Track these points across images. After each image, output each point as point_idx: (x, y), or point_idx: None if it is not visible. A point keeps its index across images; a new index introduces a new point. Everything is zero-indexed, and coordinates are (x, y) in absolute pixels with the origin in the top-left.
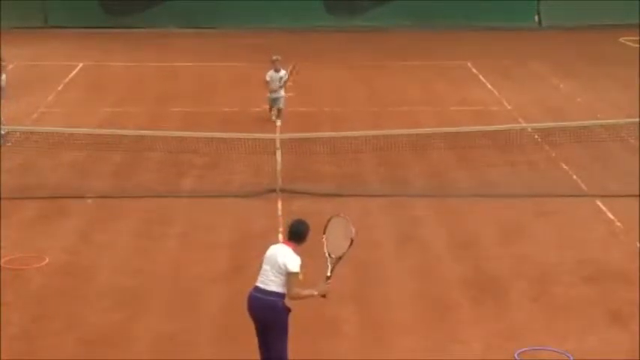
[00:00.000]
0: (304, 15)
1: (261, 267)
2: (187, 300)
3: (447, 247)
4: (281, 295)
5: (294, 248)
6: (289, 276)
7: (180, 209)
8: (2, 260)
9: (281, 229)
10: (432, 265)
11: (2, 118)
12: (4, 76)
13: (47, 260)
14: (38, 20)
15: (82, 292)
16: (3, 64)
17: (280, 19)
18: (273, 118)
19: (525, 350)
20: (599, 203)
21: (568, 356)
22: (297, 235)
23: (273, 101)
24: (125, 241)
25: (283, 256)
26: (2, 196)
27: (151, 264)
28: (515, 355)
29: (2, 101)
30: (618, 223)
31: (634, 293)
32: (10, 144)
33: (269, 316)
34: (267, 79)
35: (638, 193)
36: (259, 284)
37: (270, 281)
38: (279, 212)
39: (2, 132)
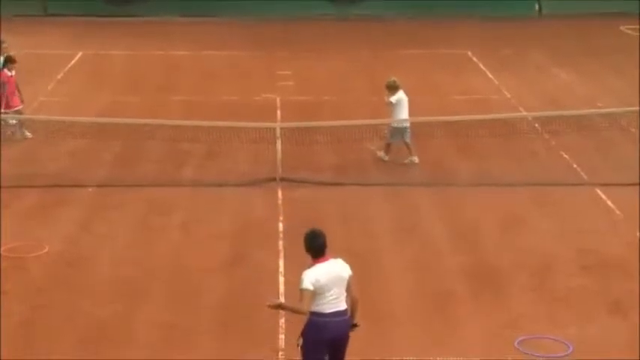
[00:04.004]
0: (305, 4)
1: (320, 294)
2: (188, 290)
3: (446, 237)
4: None
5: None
6: (350, 280)
7: (180, 199)
8: (2, 249)
9: (281, 218)
10: (431, 255)
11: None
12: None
13: (47, 249)
14: (38, 9)
15: (81, 282)
16: (4, 45)
17: (281, 7)
18: (380, 154)
19: (525, 339)
20: (599, 192)
21: (567, 345)
22: (325, 246)
23: (402, 133)
24: (125, 230)
25: (344, 269)
26: (2, 184)
27: (151, 254)
28: (515, 344)
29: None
30: (618, 212)
31: (634, 283)
32: (9, 133)
33: (348, 332)
34: (393, 101)
35: (638, 182)
36: (336, 309)
37: (342, 301)
38: (280, 201)
39: (12, 122)
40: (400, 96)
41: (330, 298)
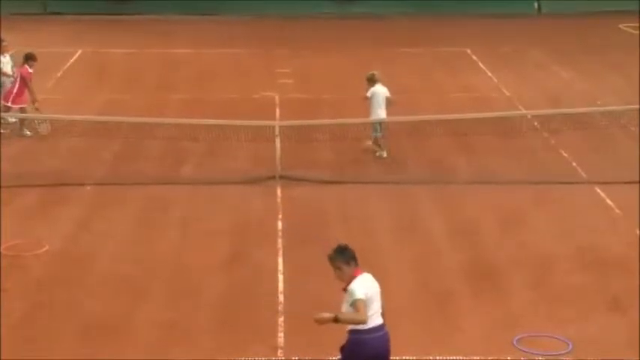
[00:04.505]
0: (305, 1)
1: (367, 307)
2: (187, 287)
3: (446, 235)
4: None
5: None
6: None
7: (179, 197)
8: (2, 247)
9: (280, 216)
10: (431, 252)
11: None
12: (8, 58)
13: (47, 247)
14: (37, 7)
15: (82, 280)
16: (4, 44)
17: (281, 5)
18: (378, 153)
19: (524, 336)
20: (598, 190)
21: (567, 343)
22: (356, 258)
23: (379, 126)
24: (125, 228)
25: (377, 283)
26: (2, 183)
27: (151, 251)
28: (514, 342)
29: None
30: (617, 210)
31: (633, 280)
32: (8, 131)
33: (389, 346)
34: (369, 95)
35: (637, 180)
36: (375, 323)
37: (379, 315)
38: (279, 199)
39: (12, 120)
40: (375, 89)
41: (371, 312)
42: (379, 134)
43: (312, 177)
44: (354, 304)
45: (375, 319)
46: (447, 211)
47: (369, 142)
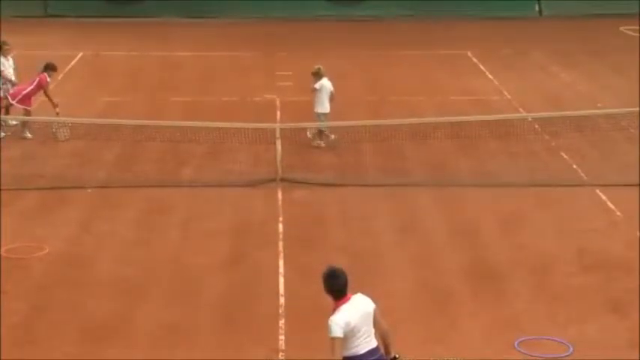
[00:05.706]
0: (305, 4)
1: (352, 337)
2: (188, 289)
3: (447, 237)
4: None
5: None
6: (376, 312)
7: (180, 199)
8: (3, 249)
9: (281, 219)
10: (432, 254)
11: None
12: (10, 61)
13: (47, 250)
14: (38, 9)
15: (82, 282)
16: (6, 47)
17: (281, 8)
18: (316, 142)
19: (525, 339)
20: (599, 193)
21: (568, 346)
22: (347, 284)
23: (323, 118)
24: (125, 230)
25: (367, 303)
26: (2, 185)
27: (152, 253)
28: (516, 345)
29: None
30: (618, 213)
31: (634, 282)
32: (9, 134)
33: None
34: (317, 87)
35: (638, 183)
36: (369, 347)
37: (373, 338)
38: (279, 202)
39: (13, 122)
40: (323, 83)
41: (362, 337)
42: (325, 127)
43: (313, 179)
44: (330, 341)
45: (366, 345)
46: (447, 213)
47: (313, 131)
